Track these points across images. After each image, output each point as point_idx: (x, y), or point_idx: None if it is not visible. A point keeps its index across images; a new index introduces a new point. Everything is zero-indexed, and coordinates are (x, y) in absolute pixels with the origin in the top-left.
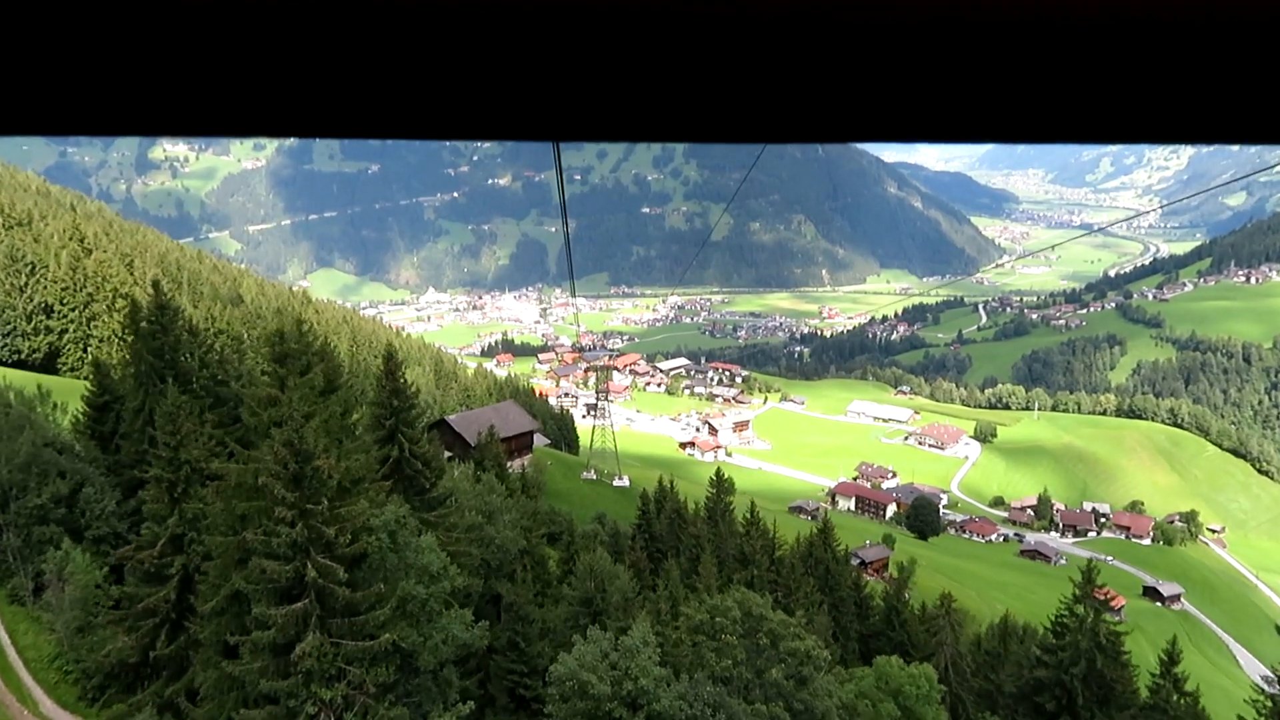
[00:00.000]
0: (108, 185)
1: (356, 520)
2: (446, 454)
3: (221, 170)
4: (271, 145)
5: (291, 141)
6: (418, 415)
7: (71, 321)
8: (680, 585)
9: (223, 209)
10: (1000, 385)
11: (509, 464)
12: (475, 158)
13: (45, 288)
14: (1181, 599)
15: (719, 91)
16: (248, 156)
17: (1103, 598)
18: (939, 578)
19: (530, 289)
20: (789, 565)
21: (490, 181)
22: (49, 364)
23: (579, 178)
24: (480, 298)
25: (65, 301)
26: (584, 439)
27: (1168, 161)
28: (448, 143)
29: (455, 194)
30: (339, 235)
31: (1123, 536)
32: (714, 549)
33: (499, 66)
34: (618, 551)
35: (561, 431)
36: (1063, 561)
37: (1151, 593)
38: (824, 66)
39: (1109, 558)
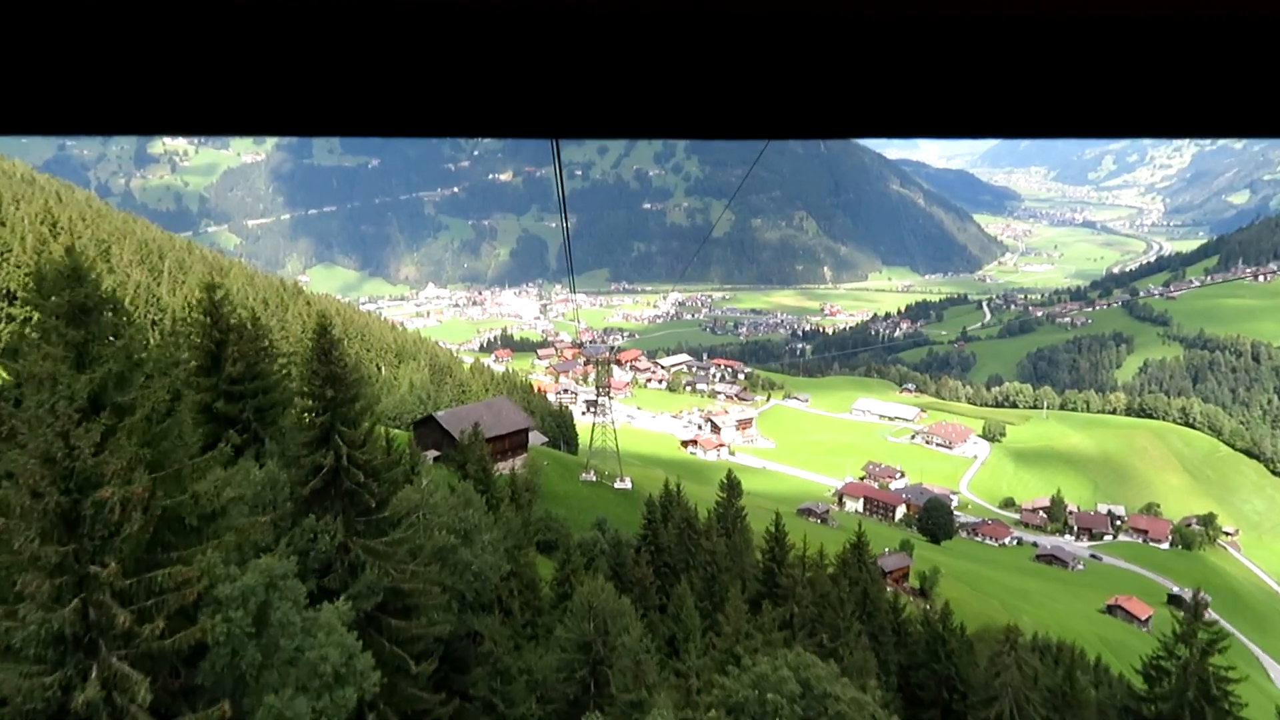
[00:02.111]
0: (106, 179)
1: (186, 591)
2: (434, 454)
3: (221, 165)
4: (271, 140)
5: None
6: (362, 410)
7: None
8: (695, 612)
9: (222, 204)
10: (1007, 383)
11: (501, 465)
12: (476, 153)
13: (7, 273)
14: (1209, 608)
15: (720, 88)
16: (247, 151)
17: (1211, 635)
18: (960, 586)
19: (530, 285)
20: (834, 600)
21: (491, 177)
22: (12, 355)
23: (580, 173)
24: (480, 293)
25: (29, 288)
26: (583, 437)
27: (1170, 159)
28: (448, 138)
29: (455, 189)
30: (338, 230)
31: (1140, 540)
32: (732, 568)
33: (499, 65)
34: (620, 564)
35: (560, 429)
36: (1080, 567)
37: (1176, 601)
38: (825, 62)
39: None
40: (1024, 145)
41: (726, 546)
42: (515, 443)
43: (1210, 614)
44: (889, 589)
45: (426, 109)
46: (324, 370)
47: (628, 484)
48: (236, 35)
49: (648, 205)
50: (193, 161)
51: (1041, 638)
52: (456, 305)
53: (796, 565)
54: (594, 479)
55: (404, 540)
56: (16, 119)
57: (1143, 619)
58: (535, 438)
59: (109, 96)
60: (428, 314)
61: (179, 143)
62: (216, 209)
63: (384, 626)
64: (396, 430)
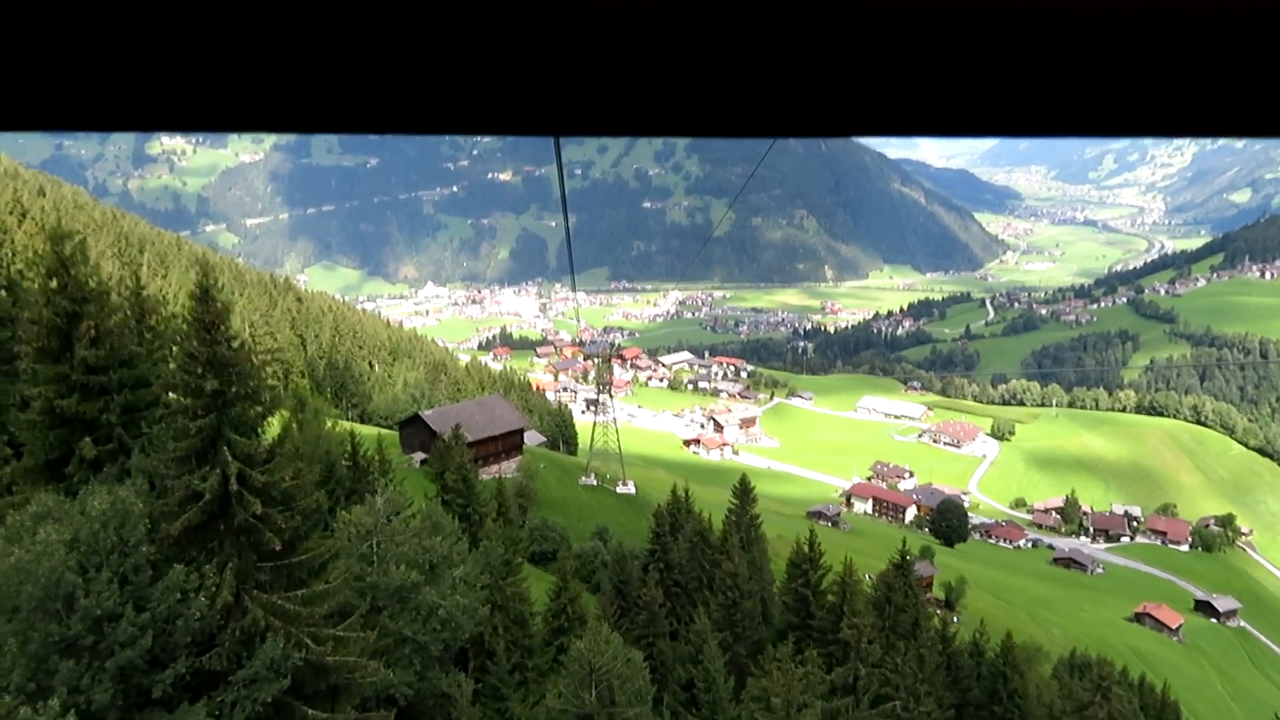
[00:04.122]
0: (104, 179)
1: None
2: (420, 456)
3: (219, 164)
4: (269, 139)
5: (289, 135)
6: (268, 408)
7: None
8: (718, 654)
9: (220, 203)
10: (1014, 381)
11: (494, 469)
12: (475, 152)
13: None
14: (1238, 615)
15: (721, 87)
16: (245, 150)
17: None
18: (984, 597)
19: (530, 284)
20: (911, 660)
21: (490, 176)
22: None
23: (579, 172)
24: (479, 292)
25: None
26: (583, 437)
27: (1171, 158)
28: (447, 137)
29: (454, 188)
30: (337, 229)
31: (1159, 542)
32: (755, 591)
33: (501, 61)
34: (624, 580)
35: (559, 429)
36: (1100, 570)
37: (1204, 607)
38: (826, 60)
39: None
40: (1024, 144)
41: (746, 565)
42: (509, 444)
43: (1240, 621)
44: (938, 620)
45: (427, 106)
46: (205, 352)
47: (631, 488)
48: (236, 31)
49: (648, 204)
50: (191, 161)
51: (1080, 654)
52: (456, 304)
53: (835, 590)
54: (594, 483)
55: (329, 593)
56: (13, 115)
57: (1173, 627)
58: (532, 438)
59: (106, 92)
60: (427, 313)
61: (177, 142)
62: (215, 209)
63: (298, 717)
64: (365, 428)
